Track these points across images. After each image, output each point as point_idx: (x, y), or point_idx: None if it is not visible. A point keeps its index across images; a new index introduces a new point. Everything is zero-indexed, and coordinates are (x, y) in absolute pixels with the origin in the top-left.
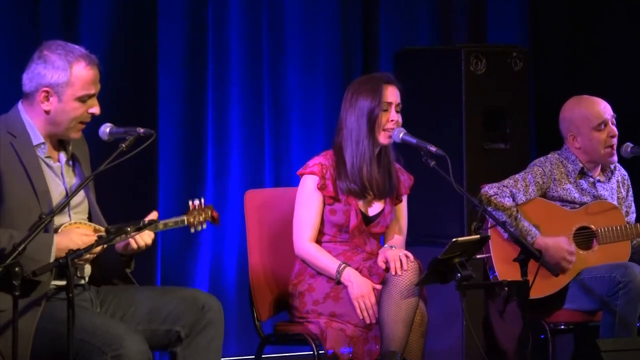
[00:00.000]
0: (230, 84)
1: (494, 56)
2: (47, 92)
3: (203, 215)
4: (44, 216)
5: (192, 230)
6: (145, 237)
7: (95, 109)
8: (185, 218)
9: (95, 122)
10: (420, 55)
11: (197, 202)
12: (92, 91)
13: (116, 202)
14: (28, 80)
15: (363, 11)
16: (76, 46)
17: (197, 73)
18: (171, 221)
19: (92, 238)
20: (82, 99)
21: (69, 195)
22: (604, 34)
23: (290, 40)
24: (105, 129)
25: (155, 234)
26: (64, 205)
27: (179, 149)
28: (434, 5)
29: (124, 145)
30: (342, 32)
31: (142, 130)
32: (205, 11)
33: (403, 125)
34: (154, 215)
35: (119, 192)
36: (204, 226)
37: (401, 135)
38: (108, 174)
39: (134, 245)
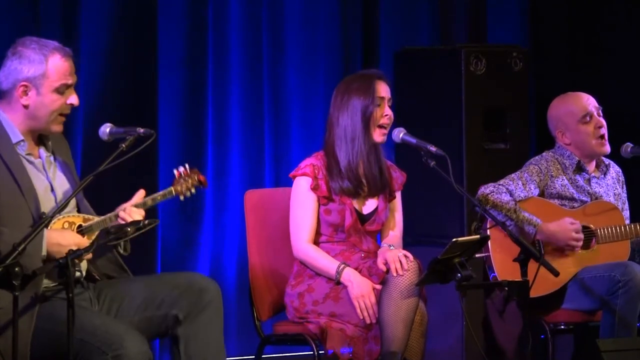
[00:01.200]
0: (230, 84)
1: (494, 56)
2: (26, 86)
3: (190, 181)
4: (43, 216)
5: (182, 198)
6: (134, 215)
7: (74, 99)
8: (172, 189)
9: (95, 122)
10: (420, 55)
11: (181, 169)
12: (70, 81)
13: (116, 202)
14: (4, 78)
15: (363, 11)
16: (49, 40)
17: (197, 73)
18: (159, 195)
19: (84, 240)
20: (60, 90)
21: (58, 192)
22: (603, 34)
23: (290, 40)
24: (105, 129)
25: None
26: (63, 206)
27: (179, 149)
28: (434, 5)
29: (124, 145)
30: (342, 32)
31: (142, 130)
32: (205, 11)
33: (403, 125)
34: (141, 193)
35: (119, 192)
36: (193, 191)
37: (401, 135)
38: (108, 174)
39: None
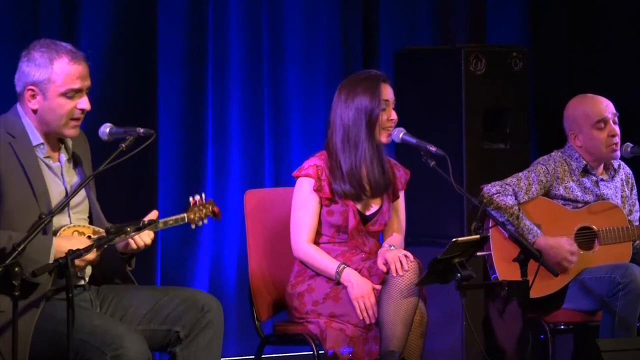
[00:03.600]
0: (230, 84)
1: (494, 56)
2: (32, 90)
3: (204, 211)
4: (43, 216)
5: (193, 226)
6: (144, 237)
7: (84, 104)
8: (185, 215)
9: (95, 122)
10: (420, 55)
11: (197, 197)
12: (77, 86)
13: (116, 202)
14: (17, 81)
15: (363, 11)
16: (64, 43)
17: (197, 73)
18: (171, 219)
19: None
20: (67, 95)
21: (69, 196)
22: (603, 34)
23: (290, 40)
24: (105, 129)
25: (155, 232)
26: (64, 205)
27: (179, 149)
28: (434, 5)
29: (124, 145)
30: (342, 32)
31: (142, 130)
32: (205, 11)
33: (403, 125)
34: (154, 214)
35: (119, 192)
36: (205, 221)
37: (401, 135)
38: (108, 174)
39: (134, 245)
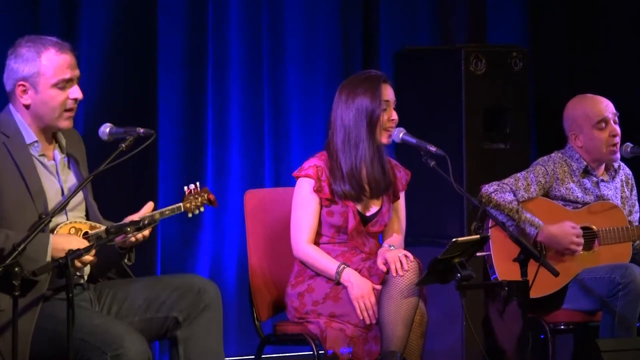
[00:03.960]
0: (230, 84)
1: (494, 56)
2: (23, 85)
3: (200, 199)
4: (43, 216)
5: (190, 215)
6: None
7: (76, 93)
8: (181, 205)
9: (95, 122)
10: (420, 55)
11: (192, 186)
12: (67, 75)
13: (116, 202)
14: (6, 79)
15: (363, 11)
16: (49, 37)
17: (197, 73)
18: (167, 209)
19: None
20: (59, 86)
21: (68, 196)
22: (603, 34)
23: (290, 40)
24: (105, 129)
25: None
26: (64, 205)
27: (179, 149)
28: (434, 5)
29: (124, 145)
30: (342, 32)
31: (142, 130)
32: (205, 11)
33: (403, 125)
34: (149, 206)
35: (119, 192)
36: (202, 209)
37: (401, 135)
38: (108, 174)
39: (132, 238)
